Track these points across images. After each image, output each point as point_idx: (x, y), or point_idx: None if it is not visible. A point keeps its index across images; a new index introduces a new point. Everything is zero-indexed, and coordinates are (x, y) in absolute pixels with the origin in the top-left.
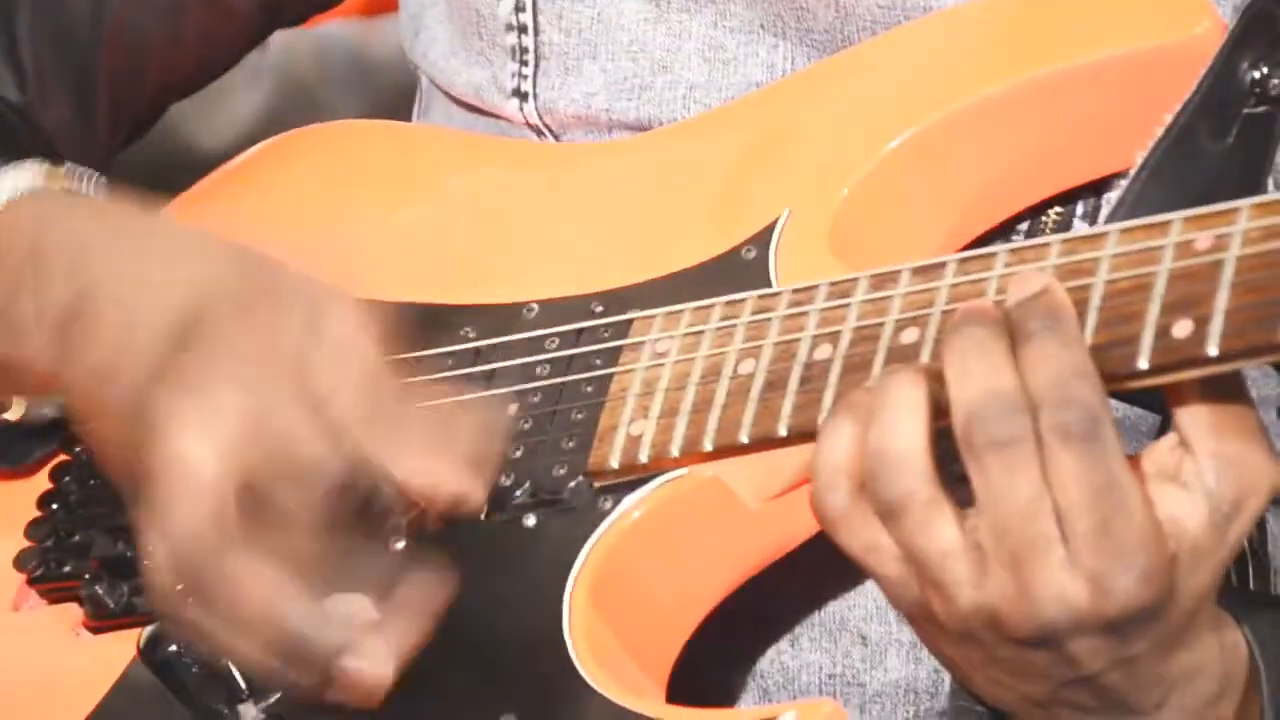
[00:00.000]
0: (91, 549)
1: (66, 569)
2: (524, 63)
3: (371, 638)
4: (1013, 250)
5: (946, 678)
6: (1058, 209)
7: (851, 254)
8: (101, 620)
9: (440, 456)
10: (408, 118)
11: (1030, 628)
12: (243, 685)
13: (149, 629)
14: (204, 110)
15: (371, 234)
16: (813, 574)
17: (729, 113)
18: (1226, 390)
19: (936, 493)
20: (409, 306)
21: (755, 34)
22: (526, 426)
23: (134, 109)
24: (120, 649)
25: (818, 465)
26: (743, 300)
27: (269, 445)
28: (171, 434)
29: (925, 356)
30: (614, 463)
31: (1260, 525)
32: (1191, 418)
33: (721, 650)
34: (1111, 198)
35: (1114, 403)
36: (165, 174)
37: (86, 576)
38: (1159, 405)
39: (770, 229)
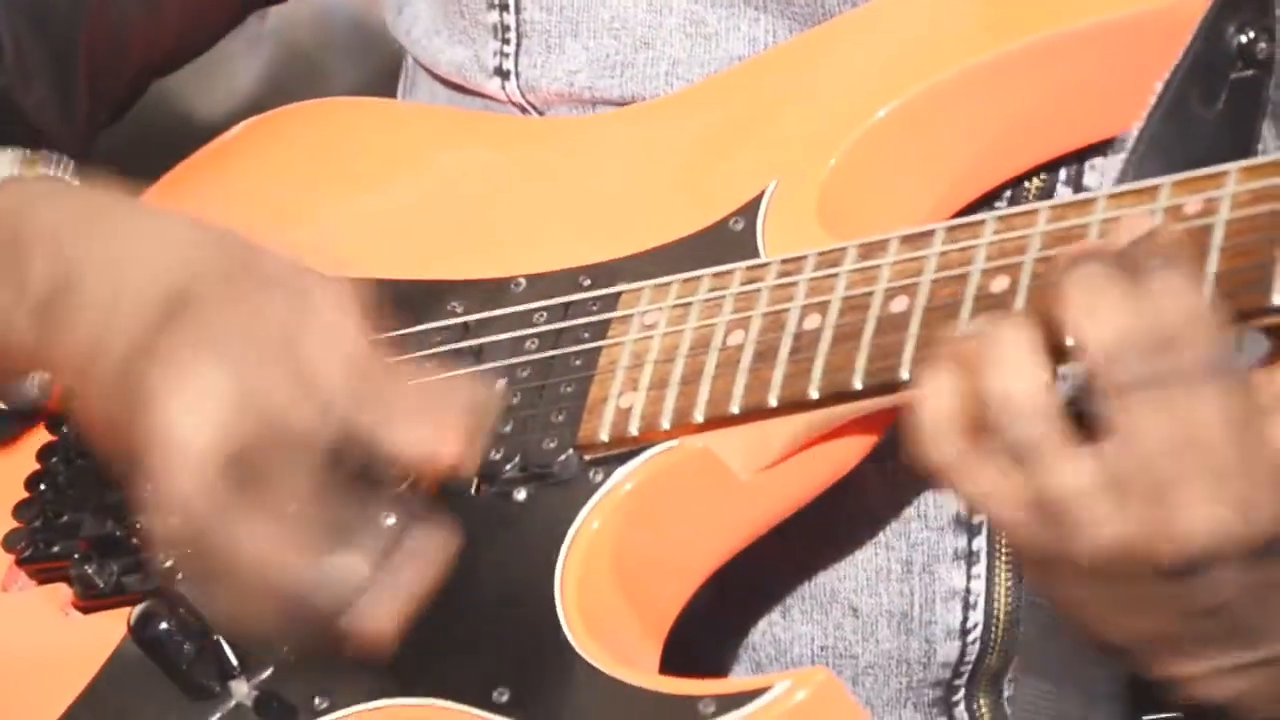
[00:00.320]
0: (80, 529)
1: (55, 549)
2: (506, 41)
3: (371, 594)
4: (1000, 218)
5: (939, 649)
6: (1041, 177)
7: (839, 224)
8: (91, 600)
9: (429, 425)
10: None
11: (1178, 559)
12: (234, 662)
13: (139, 607)
14: (203, 79)
15: (356, 211)
16: (803, 546)
17: (714, 85)
18: None
19: (1066, 431)
20: (395, 283)
21: (736, 8)
22: (516, 401)
23: (114, 88)
24: (110, 628)
25: (925, 419)
26: (731, 271)
27: (259, 416)
28: (162, 407)
29: (915, 325)
30: (604, 435)
31: None
32: None
33: (713, 622)
34: (1096, 163)
35: None
36: (164, 143)
37: (75, 556)
38: None
39: (757, 200)
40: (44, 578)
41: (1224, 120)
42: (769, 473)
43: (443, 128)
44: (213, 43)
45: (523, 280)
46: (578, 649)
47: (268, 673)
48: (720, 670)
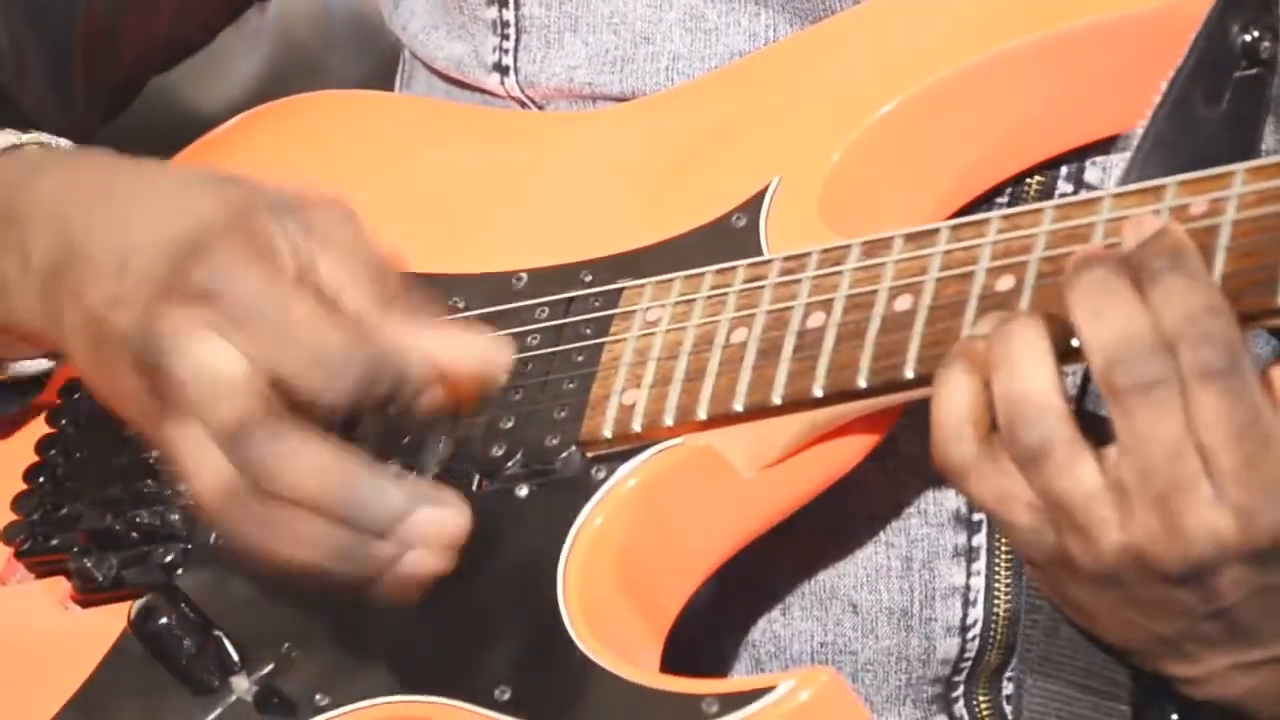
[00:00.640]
0: (79, 522)
1: (54, 542)
2: (505, 36)
3: (425, 509)
4: (1006, 216)
5: (938, 646)
6: (1040, 176)
7: (841, 221)
8: (90, 593)
9: (455, 333)
10: None
11: (1181, 565)
12: (235, 657)
13: (140, 601)
14: (203, 74)
15: (355, 204)
16: (803, 543)
17: (716, 80)
18: None
19: (1077, 434)
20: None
21: (736, 3)
22: (517, 397)
23: (110, 83)
24: (109, 622)
25: (939, 418)
26: (734, 268)
27: (289, 342)
28: (192, 346)
29: (919, 325)
30: (607, 432)
31: None
32: None
33: (713, 619)
34: (1098, 160)
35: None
36: (164, 138)
37: (75, 550)
38: None
39: (760, 196)
40: (43, 571)
41: (1228, 119)
42: (771, 471)
43: (441, 121)
44: (209, 38)
45: (524, 275)
46: (581, 647)
47: (268, 668)
48: (720, 667)
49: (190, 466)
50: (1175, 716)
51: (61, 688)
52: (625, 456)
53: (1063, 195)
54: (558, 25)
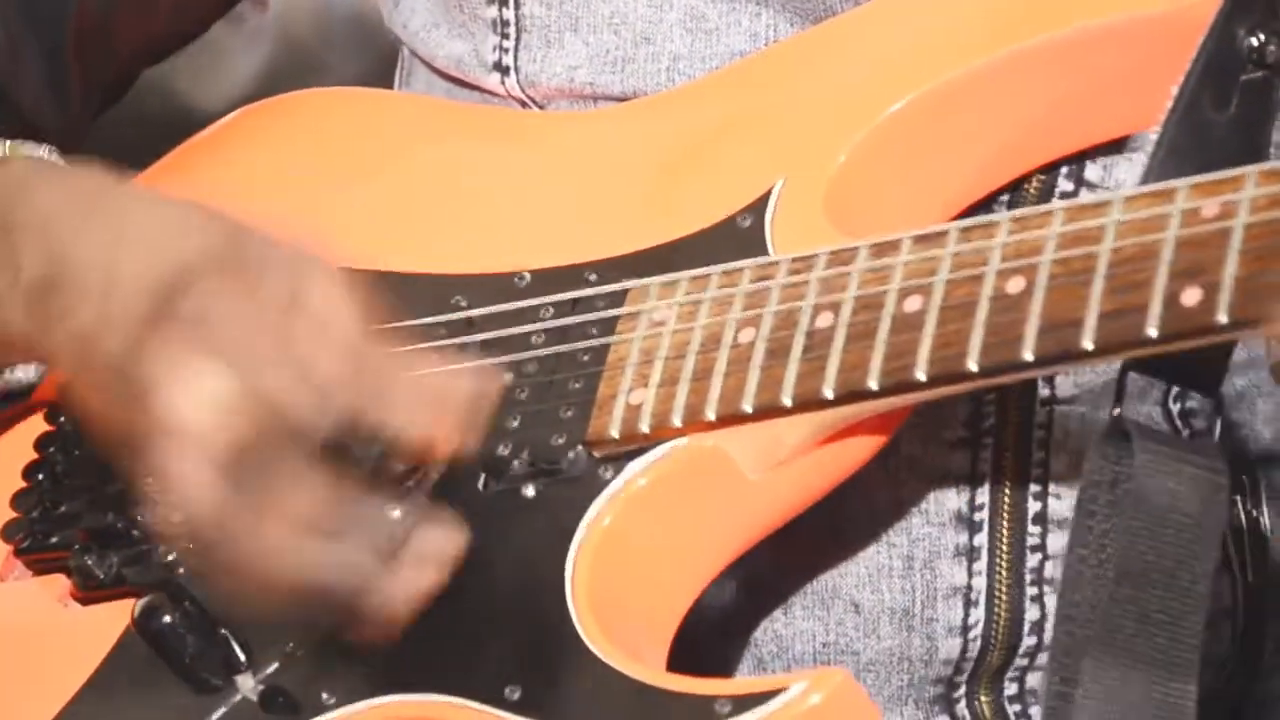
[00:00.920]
0: (79, 519)
1: (54, 540)
2: (505, 36)
3: (378, 588)
4: (1015, 218)
5: (940, 646)
6: (1040, 177)
7: (847, 221)
8: (91, 591)
9: (428, 411)
10: None
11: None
12: (240, 656)
13: (144, 600)
14: (201, 72)
15: (355, 202)
16: (805, 542)
17: (719, 80)
18: None
19: None
20: (397, 275)
21: (737, 3)
22: (523, 396)
23: (105, 77)
24: (110, 620)
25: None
26: (741, 269)
27: (259, 404)
28: (161, 396)
29: (930, 326)
30: (614, 432)
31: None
32: None
33: (715, 618)
34: (1099, 159)
35: None
36: (162, 136)
37: (75, 547)
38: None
39: (765, 197)
40: (42, 568)
41: (1237, 123)
42: (778, 472)
43: (441, 120)
44: (204, 29)
45: (527, 275)
46: (590, 646)
47: (273, 667)
48: (722, 666)
49: (180, 491)
50: None
51: (63, 686)
52: (632, 456)
53: (1064, 194)
54: (558, 25)
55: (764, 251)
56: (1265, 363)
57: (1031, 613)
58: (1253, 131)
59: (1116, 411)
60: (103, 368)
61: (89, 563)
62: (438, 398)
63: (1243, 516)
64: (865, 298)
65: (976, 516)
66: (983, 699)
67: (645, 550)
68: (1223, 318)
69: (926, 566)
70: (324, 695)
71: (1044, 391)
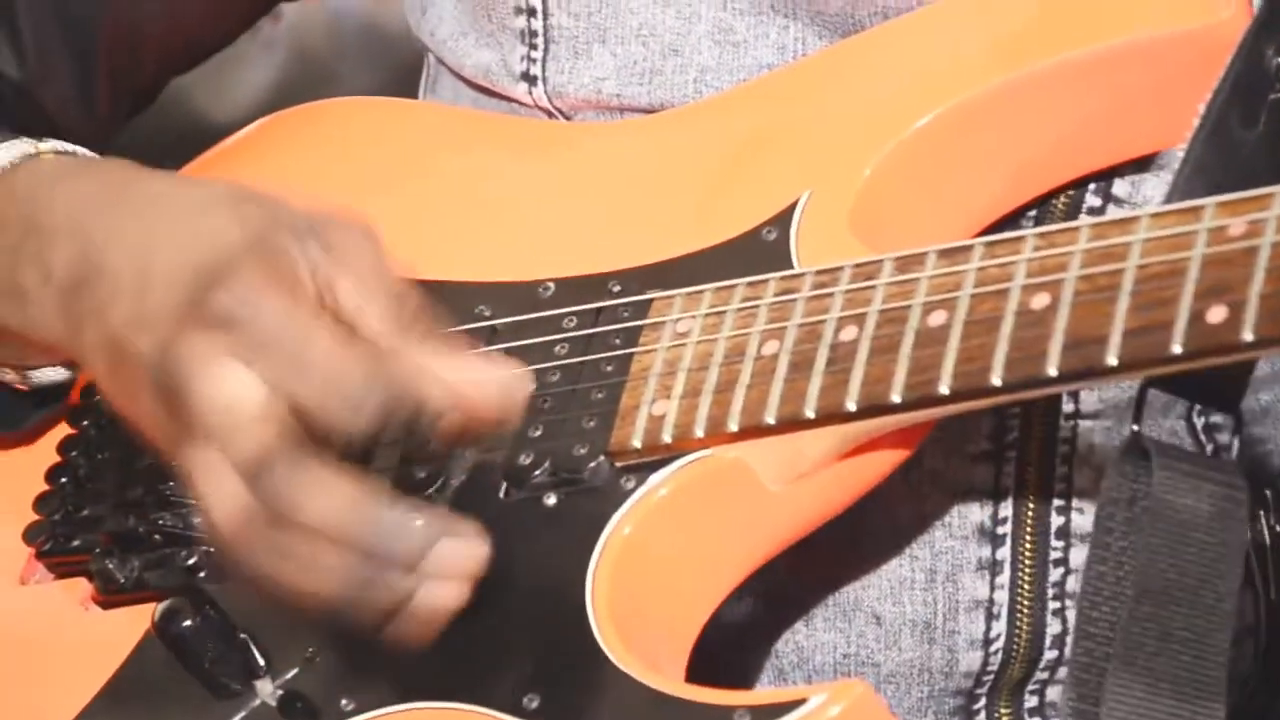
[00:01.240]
0: (101, 523)
1: (75, 543)
2: (533, 46)
3: (443, 542)
4: (1041, 234)
5: (961, 658)
6: (1067, 193)
7: (872, 236)
8: (111, 595)
9: (473, 365)
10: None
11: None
12: (260, 661)
13: (165, 603)
14: (217, 82)
15: (378, 209)
16: (827, 554)
17: (746, 93)
18: None
19: None
20: (420, 283)
21: (765, 15)
22: (545, 405)
23: (133, 85)
24: (131, 624)
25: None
26: (765, 281)
27: (310, 372)
28: (213, 373)
29: (954, 340)
30: (636, 442)
31: None
32: None
33: (736, 629)
34: (1127, 175)
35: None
36: (179, 146)
37: (96, 551)
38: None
39: (791, 210)
40: (63, 571)
41: (1265, 141)
42: (800, 484)
43: (466, 129)
44: (231, 39)
45: (551, 284)
46: (610, 656)
47: (293, 672)
48: (742, 677)
49: (207, 493)
50: None
51: (83, 688)
52: (654, 467)
53: (1091, 209)
54: (586, 36)
55: (789, 264)
56: None
57: (1053, 626)
58: (1279, 150)
59: (1135, 428)
60: (137, 366)
61: (110, 566)
62: (470, 389)
63: (1265, 532)
64: (890, 311)
65: (999, 530)
66: (1003, 711)
67: (666, 561)
68: (1248, 335)
69: (949, 579)
70: (343, 701)
71: (1068, 406)
